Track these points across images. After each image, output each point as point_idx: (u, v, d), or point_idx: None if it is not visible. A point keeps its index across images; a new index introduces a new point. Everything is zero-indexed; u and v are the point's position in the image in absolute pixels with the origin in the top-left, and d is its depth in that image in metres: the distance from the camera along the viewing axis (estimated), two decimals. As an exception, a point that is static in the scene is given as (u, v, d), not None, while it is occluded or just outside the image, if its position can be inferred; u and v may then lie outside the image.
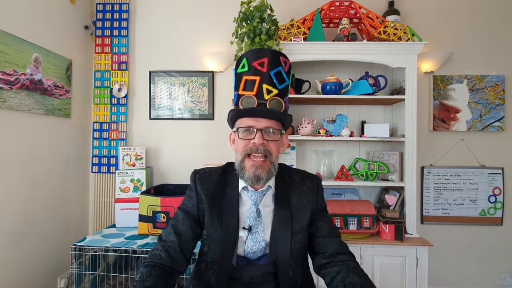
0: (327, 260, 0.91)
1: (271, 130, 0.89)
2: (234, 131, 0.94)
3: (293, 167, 1.11)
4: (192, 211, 0.97)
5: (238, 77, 0.95)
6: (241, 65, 0.94)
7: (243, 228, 0.92)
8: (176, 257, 0.90)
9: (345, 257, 0.91)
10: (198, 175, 0.99)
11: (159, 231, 1.80)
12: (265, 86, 0.89)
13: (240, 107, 0.90)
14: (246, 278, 0.92)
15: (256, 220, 0.92)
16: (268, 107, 0.89)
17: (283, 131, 0.95)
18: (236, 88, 0.95)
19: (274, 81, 0.90)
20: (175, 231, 0.93)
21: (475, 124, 2.17)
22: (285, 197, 0.95)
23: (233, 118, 0.94)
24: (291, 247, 0.91)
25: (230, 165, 1.01)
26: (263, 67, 0.90)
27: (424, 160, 2.19)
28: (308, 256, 1.02)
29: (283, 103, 0.91)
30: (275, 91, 0.90)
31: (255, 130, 0.87)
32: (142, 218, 1.83)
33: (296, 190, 0.98)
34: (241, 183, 0.95)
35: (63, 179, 2.04)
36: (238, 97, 0.93)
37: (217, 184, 0.97)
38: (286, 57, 0.96)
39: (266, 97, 0.89)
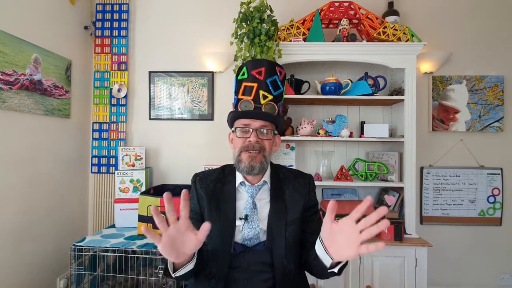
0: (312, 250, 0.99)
1: (264, 130, 1.00)
2: (233, 131, 1.05)
3: (289, 167, 1.17)
4: (195, 209, 1.05)
5: (238, 83, 1.07)
6: (241, 72, 1.06)
7: (240, 218, 1.00)
8: None
9: None
10: (198, 177, 1.09)
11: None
12: (261, 92, 1.02)
13: (239, 109, 1.02)
14: (244, 265, 0.98)
15: (252, 211, 1.00)
16: (263, 110, 1.01)
17: (276, 132, 1.06)
18: (236, 93, 1.07)
19: (270, 88, 1.03)
20: None
21: (474, 125, 2.18)
22: (279, 191, 1.05)
23: (232, 118, 1.05)
24: (286, 237, 0.99)
25: (227, 166, 1.12)
26: (260, 76, 1.03)
27: (424, 160, 2.20)
28: None
29: (277, 107, 1.03)
30: (270, 97, 1.02)
31: (251, 130, 0.99)
32: (141, 219, 1.83)
33: (289, 185, 1.07)
34: (238, 179, 1.04)
35: (63, 179, 2.04)
36: (237, 100, 1.06)
37: (216, 182, 1.07)
38: (281, 67, 1.08)
39: (262, 101, 1.02)
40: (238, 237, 1.00)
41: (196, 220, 1.03)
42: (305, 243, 1.04)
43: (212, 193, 1.04)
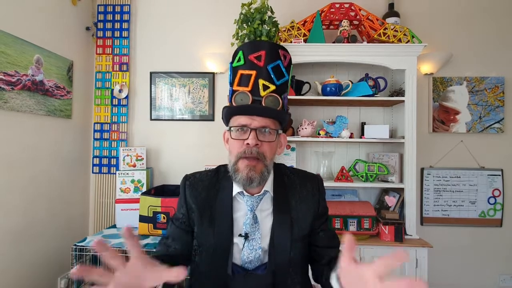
0: (325, 266, 0.86)
1: (266, 130, 0.82)
2: (228, 130, 0.88)
3: (292, 167, 1.02)
4: (184, 220, 0.92)
5: (233, 71, 0.89)
6: (237, 58, 0.88)
7: (239, 235, 0.85)
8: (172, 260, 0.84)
9: None
10: (188, 181, 0.93)
11: (160, 231, 1.81)
12: (261, 82, 0.83)
13: (234, 104, 0.84)
14: None
15: (252, 227, 0.86)
16: (263, 104, 0.82)
17: (280, 131, 0.88)
18: (231, 83, 0.89)
19: (272, 76, 0.84)
20: (165, 243, 0.91)
21: (474, 126, 2.18)
22: (284, 202, 0.89)
23: (227, 115, 0.87)
24: (291, 256, 0.85)
25: (222, 167, 0.95)
26: (260, 61, 0.84)
27: (424, 161, 2.20)
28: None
29: (281, 100, 0.84)
30: (272, 87, 0.84)
31: (249, 129, 0.81)
32: (142, 219, 1.84)
33: (295, 194, 0.91)
34: (236, 188, 0.88)
35: (64, 179, 2.05)
36: (232, 93, 0.87)
37: (209, 190, 0.91)
38: (286, 50, 0.89)
39: (262, 93, 0.83)
40: (237, 257, 0.85)
41: (184, 231, 0.90)
42: (313, 256, 0.92)
43: (204, 204, 0.89)
